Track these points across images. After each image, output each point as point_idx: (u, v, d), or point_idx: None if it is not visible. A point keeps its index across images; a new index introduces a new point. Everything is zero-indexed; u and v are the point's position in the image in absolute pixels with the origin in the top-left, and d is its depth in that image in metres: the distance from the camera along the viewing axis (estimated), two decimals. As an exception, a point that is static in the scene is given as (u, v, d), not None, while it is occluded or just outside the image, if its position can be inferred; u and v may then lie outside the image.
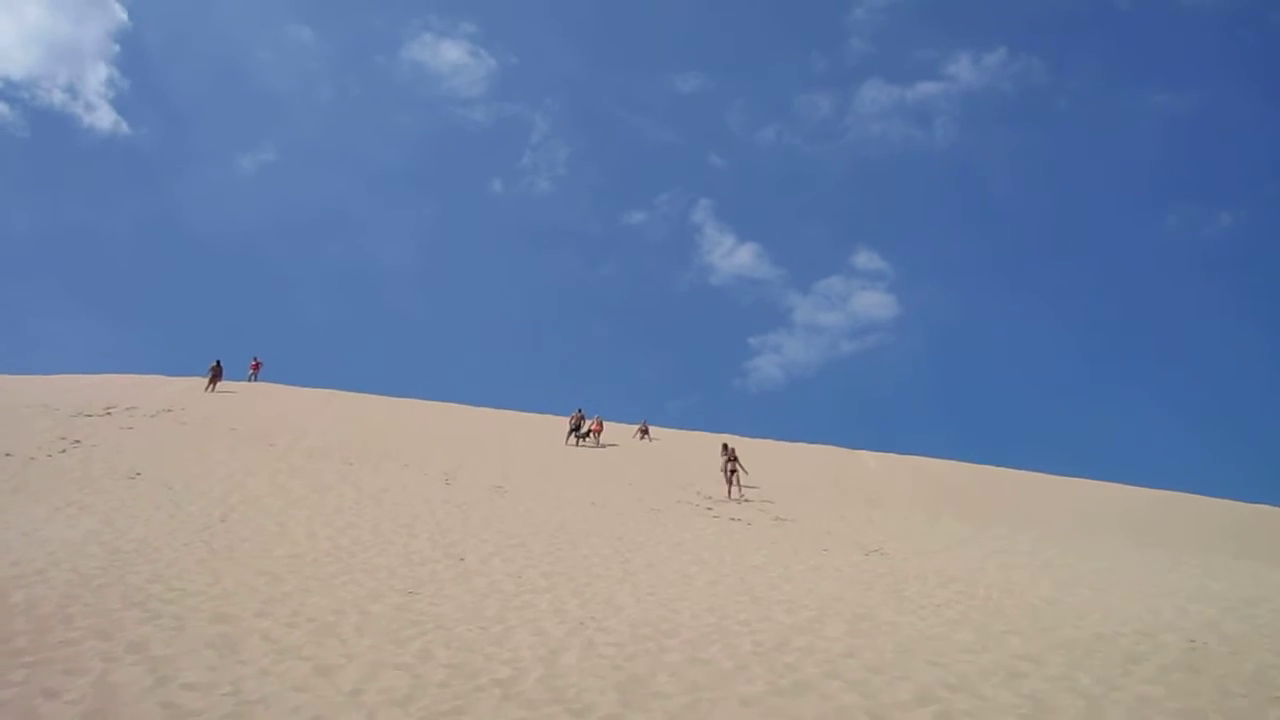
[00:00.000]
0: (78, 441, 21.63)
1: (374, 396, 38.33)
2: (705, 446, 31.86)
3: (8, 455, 19.35)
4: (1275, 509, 32.39)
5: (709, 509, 21.36)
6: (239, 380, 37.37)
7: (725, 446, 26.83)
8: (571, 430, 31.34)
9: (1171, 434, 71.65)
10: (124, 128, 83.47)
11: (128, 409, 27.47)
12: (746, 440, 34.94)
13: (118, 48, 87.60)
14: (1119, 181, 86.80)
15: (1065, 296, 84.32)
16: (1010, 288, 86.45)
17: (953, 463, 35.44)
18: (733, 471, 23.51)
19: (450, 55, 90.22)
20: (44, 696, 7.06)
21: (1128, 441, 71.19)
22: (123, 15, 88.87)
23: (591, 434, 32.54)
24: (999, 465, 36.23)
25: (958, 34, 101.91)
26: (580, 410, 31.98)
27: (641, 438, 34.09)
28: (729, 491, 23.29)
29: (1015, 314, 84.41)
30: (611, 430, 33.88)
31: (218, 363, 34.77)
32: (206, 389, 33.81)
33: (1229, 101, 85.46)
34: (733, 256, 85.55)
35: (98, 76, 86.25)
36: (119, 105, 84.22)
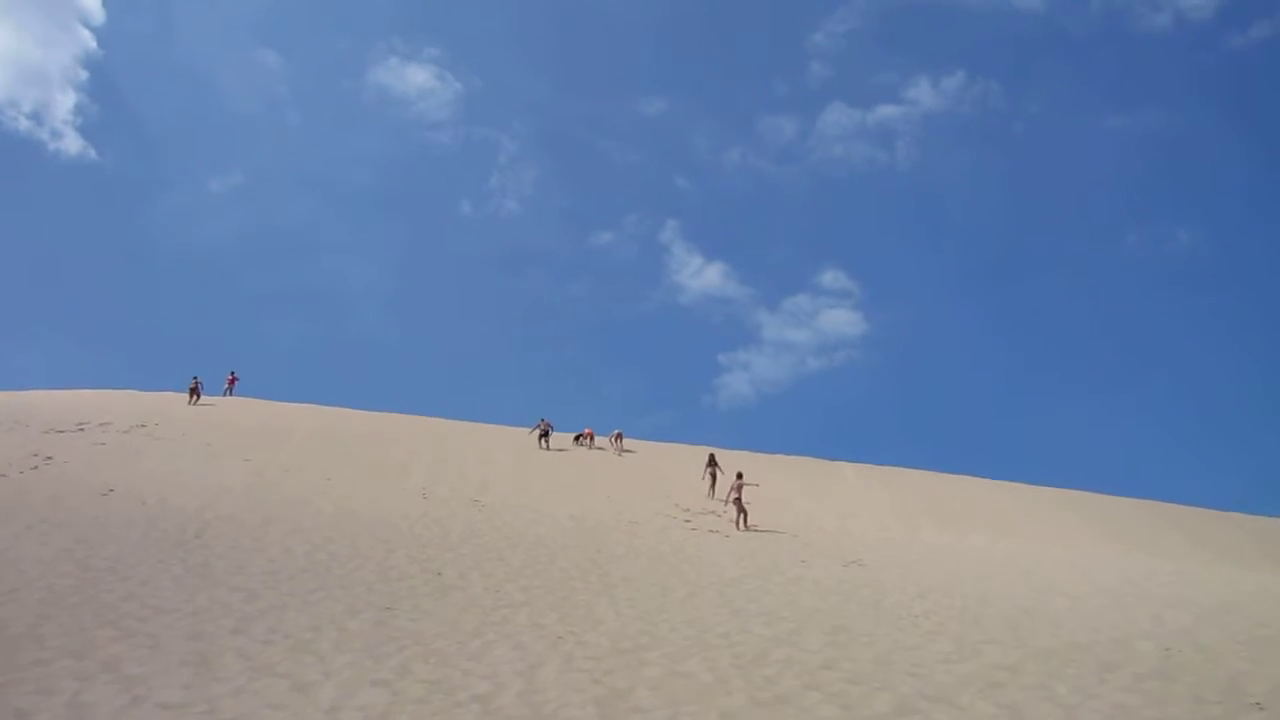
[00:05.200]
0: (50, 458, 21.33)
1: (350, 411, 38.07)
2: (683, 459, 31.89)
3: (-23, 472, 19.03)
4: (1249, 516, 32.86)
5: (687, 521, 21.37)
6: (215, 395, 37.49)
7: (712, 457, 26.98)
8: (541, 436, 32.23)
9: (1137, 444, 72.96)
10: (91, 154, 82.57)
11: (100, 425, 27.13)
12: (723, 452, 34.91)
13: (85, 74, 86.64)
14: (1079, 201, 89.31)
15: (1029, 312, 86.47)
16: (974, 304, 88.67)
17: (930, 473, 35.63)
18: (737, 499, 21.46)
19: (416, 79, 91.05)
20: (15, 718, 6.96)
21: (1097, 452, 72.53)
22: (91, 42, 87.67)
23: (589, 439, 33.95)
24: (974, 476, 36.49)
25: (917, 58, 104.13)
26: (545, 419, 32.78)
27: (614, 448, 34.17)
28: (738, 522, 21.20)
29: (980, 330, 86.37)
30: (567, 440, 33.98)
31: (196, 379, 35.53)
32: (190, 403, 34.54)
33: (1185, 123, 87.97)
34: (701, 276, 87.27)
35: (65, 103, 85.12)
36: (86, 132, 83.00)
